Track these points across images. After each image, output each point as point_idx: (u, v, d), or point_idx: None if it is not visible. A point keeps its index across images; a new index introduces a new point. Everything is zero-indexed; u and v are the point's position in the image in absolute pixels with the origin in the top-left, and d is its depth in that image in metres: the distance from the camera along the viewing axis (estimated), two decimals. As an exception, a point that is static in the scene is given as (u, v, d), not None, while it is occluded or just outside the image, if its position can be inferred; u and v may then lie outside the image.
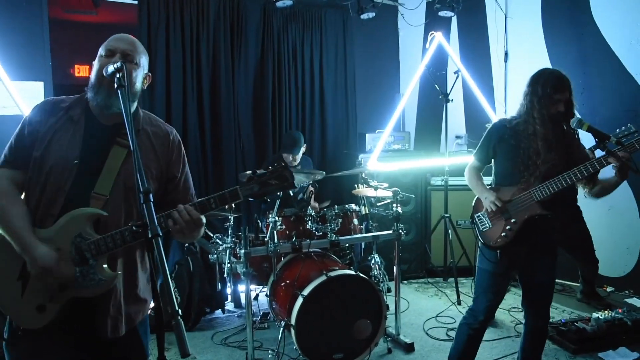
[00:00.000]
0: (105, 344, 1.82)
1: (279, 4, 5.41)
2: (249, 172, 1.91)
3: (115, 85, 1.66)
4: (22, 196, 1.82)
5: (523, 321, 2.92)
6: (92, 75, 1.82)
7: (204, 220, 1.82)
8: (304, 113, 5.96)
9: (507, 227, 2.65)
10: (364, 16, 5.78)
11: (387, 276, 4.10)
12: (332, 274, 3.34)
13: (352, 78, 6.24)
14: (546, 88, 2.55)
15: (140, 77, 1.87)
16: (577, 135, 2.69)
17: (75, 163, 1.75)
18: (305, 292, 3.26)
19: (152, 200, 1.48)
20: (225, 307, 4.66)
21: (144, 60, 1.89)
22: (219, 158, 5.45)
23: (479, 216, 2.79)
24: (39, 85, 4.44)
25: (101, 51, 1.83)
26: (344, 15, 6.14)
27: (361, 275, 3.43)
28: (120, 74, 1.67)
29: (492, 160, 2.82)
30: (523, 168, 2.59)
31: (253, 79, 5.66)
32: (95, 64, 1.83)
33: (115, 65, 1.69)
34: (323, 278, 3.29)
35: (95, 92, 1.80)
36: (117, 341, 1.83)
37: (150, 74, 1.96)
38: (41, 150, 1.76)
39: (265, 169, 1.82)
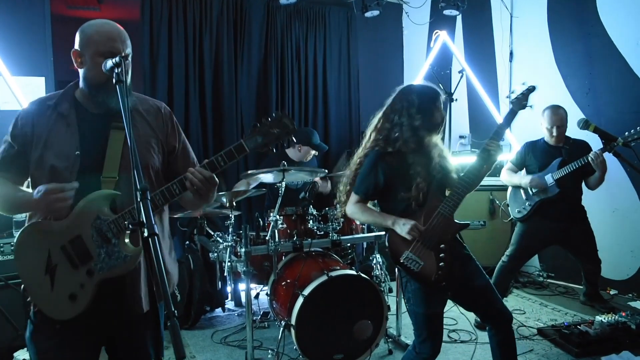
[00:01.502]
0: (131, 322, 1.85)
1: (282, 1, 5.38)
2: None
3: (114, 81, 1.64)
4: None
5: (488, 335, 2.68)
6: (94, 77, 1.80)
7: (217, 180, 1.83)
8: (307, 111, 5.92)
9: (441, 255, 2.42)
10: (368, 14, 5.74)
11: (388, 276, 4.06)
12: (333, 273, 3.31)
13: (356, 76, 6.20)
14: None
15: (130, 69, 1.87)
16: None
17: (77, 154, 1.77)
18: (306, 291, 3.24)
19: (149, 198, 1.46)
20: (226, 306, 4.64)
21: (131, 50, 1.89)
22: (221, 155, 5.42)
23: (406, 258, 2.44)
24: (41, 81, 4.43)
25: (99, 49, 1.77)
26: (348, 13, 6.11)
27: (362, 275, 3.39)
28: (119, 69, 1.66)
29: (378, 195, 2.63)
30: (416, 190, 2.43)
31: (256, 77, 5.63)
32: (92, 61, 1.79)
33: (114, 61, 1.68)
34: (324, 278, 3.26)
35: (96, 91, 1.81)
36: (143, 317, 1.86)
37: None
38: (40, 150, 1.78)
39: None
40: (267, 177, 3.89)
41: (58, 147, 1.78)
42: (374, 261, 3.92)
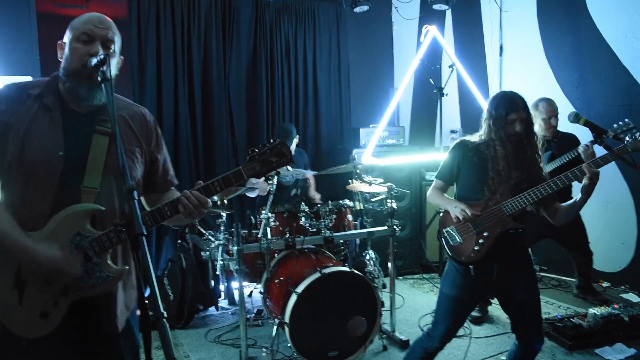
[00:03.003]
0: (103, 340, 1.73)
1: (271, -3, 5.36)
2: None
3: (100, 79, 1.56)
4: None
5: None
6: (70, 63, 1.67)
7: (210, 202, 1.75)
8: (297, 108, 5.90)
9: (480, 241, 2.53)
10: (357, 10, 5.72)
11: (382, 272, 4.06)
12: (327, 270, 3.29)
13: (346, 72, 6.19)
14: (499, 110, 2.54)
15: (115, 63, 1.76)
16: (539, 156, 2.62)
17: (61, 155, 1.62)
18: (299, 289, 3.22)
19: (136, 198, 1.40)
20: (219, 305, 4.61)
21: (118, 43, 1.76)
22: (211, 153, 5.39)
23: (447, 231, 2.64)
24: (27, 80, 4.37)
25: (75, 34, 1.67)
26: (337, 9, 6.09)
27: (356, 271, 3.39)
28: (105, 67, 1.57)
29: (455, 181, 2.73)
30: (490, 184, 2.52)
31: (245, 74, 5.60)
32: (69, 48, 1.67)
33: (98, 58, 1.59)
34: (317, 275, 3.25)
35: (76, 82, 1.66)
36: (118, 334, 1.75)
37: (122, 57, 1.83)
38: (18, 144, 1.60)
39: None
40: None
41: (40, 143, 1.61)
42: (367, 257, 3.92)
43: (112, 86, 1.57)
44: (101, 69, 1.58)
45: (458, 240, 2.59)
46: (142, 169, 1.83)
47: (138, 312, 1.60)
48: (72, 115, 1.70)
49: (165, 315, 1.25)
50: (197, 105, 5.29)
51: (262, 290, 3.72)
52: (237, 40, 5.50)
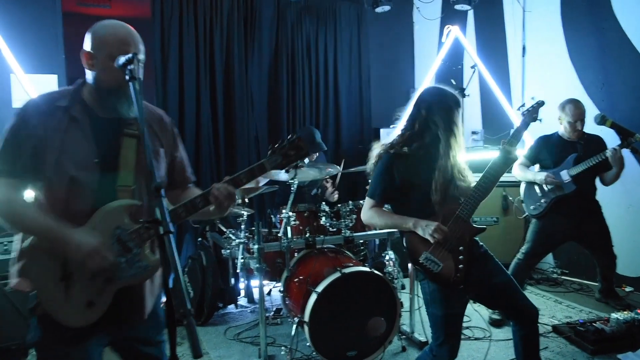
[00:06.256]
0: (131, 327, 1.88)
1: (292, -3, 5.38)
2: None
3: (127, 78, 1.59)
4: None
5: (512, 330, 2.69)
6: (103, 82, 1.74)
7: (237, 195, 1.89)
8: (318, 107, 5.92)
9: (460, 258, 2.42)
10: (379, 10, 5.71)
11: (401, 273, 4.04)
12: (347, 270, 3.29)
13: (367, 72, 6.19)
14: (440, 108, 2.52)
15: (142, 72, 1.79)
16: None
17: (96, 162, 1.74)
18: (319, 288, 3.23)
19: (163, 195, 1.45)
20: (238, 302, 4.65)
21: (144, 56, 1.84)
22: (233, 152, 5.43)
23: (425, 259, 2.42)
24: (53, 78, 4.47)
25: (109, 52, 1.71)
26: (358, 9, 6.09)
27: (375, 272, 3.38)
28: (133, 66, 1.60)
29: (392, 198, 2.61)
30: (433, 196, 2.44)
31: (267, 74, 5.63)
32: (102, 65, 1.73)
33: (127, 57, 1.62)
34: (337, 275, 3.25)
35: (109, 98, 1.75)
36: (149, 319, 1.90)
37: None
38: (54, 156, 1.69)
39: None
40: (279, 175, 3.89)
41: (74, 154, 1.72)
42: (387, 258, 3.90)
43: (141, 86, 1.60)
44: (129, 67, 1.60)
45: (439, 265, 2.42)
46: (165, 167, 1.95)
47: (163, 300, 1.67)
48: (100, 122, 1.79)
49: (192, 312, 1.28)
50: (219, 104, 5.33)
51: (282, 289, 3.74)
52: (259, 40, 5.53)
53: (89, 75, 1.78)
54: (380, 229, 3.82)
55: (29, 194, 1.73)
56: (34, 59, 4.34)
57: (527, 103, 2.75)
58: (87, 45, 1.77)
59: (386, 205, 2.72)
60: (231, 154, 5.44)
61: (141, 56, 1.75)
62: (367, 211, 2.58)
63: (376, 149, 2.63)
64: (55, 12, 4.58)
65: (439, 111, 2.47)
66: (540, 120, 2.67)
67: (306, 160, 4.54)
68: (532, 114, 2.65)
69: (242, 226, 3.90)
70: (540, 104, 2.68)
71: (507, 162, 2.51)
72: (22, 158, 1.70)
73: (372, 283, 3.36)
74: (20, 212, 1.69)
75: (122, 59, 1.64)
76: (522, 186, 4.35)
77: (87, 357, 1.77)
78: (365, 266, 3.47)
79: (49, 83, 4.41)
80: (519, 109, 2.78)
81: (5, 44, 4.07)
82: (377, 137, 5.76)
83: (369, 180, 2.66)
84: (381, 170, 2.53)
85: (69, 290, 1.69)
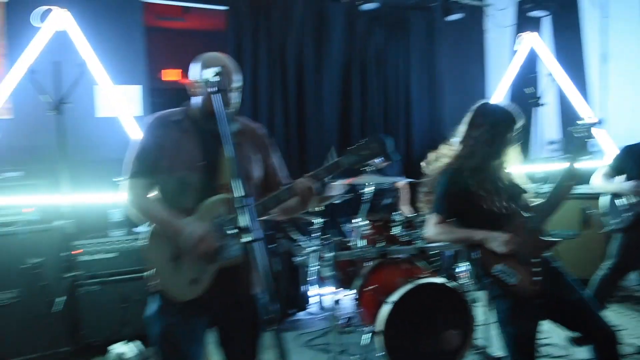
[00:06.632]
0: (240, 304, 2.14)
1: (363, 7, 5.40)
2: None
3: (215, 90, 1.82)
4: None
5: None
6: (208, 107, 2.00)
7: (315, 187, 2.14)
8: (388, 116, 5.90)
9: (534, 270, 2.38)
10: (450, 18, 5.65)
11: (476, 286, 3.95)
12: (420, 281, 3.27)
13: (439, 81, 6.11)
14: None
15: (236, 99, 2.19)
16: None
17: (201, 164, 2.09)
18: (393, 298, 3.21)
19: (252, 204, 1.64)
20: (309, 310, 4.69)
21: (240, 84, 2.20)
22: (305, 165, 5.50)
23: (500, 271, 2.41)
24: (137, 89, 4.71)
25: (211, 80, 1.89)
26: (429, 18, 6.03)
27: (449, 283, 3.33)
28: (220, 78, 1.84)
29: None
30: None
31: (338, 84, 5.66)
32: (207, 96, 1.98)
33: (215, 70, 1.86)
34: (411, 285, 3.23)
35: (210, 117, 1.97)
36: (252, 301, 2.12)
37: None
38: (169, 160, 2.09)
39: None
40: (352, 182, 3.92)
41: (184, 158, 2.09)
42: (461, 270, 3.83)
43: (226, 98, 2.01)
44: (216, 79, 1.84)
45: (515, 276, 2.39)
46: (260, 172, 2.26)
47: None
48: (204, 132, 2.16)
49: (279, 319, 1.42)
50: (292, 114, 5.41)
51: (354, 298, 3.74)
52: (330, 51, 5.58)
53: (195, 99, 2.16)
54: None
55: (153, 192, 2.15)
56: (119, 71, 4.58)
57: (600, 115, 2.71)
58: (192, 74, 2.14)
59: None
60: (304, 168, 5.50)
61: (236, 84, 2.13)
62: (434, 227, 2.58)
63: (436, 160, 2.69)
64: (138, 26, 4.83)
65: (497, 126, 2.52)
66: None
67: (377, 163, 4.56)
68: (585, 135, 2.58)
69: (315, 234, 3.95)
70: (595, 123, 2.61)
71: (572, 176, 2.47)
72: (148, 162, 2.11)
73: (446, 295, 3.31)
74: (148, 206, 2.12)
75: (206, 74, 1.90)
76: (604, 198, 4.15)
77: (192, 330, 2.11)
78: (439, 277, 3.43)
79: (134, 93, 4.66)
80: (571, 128, 2.71)
81: (96, 57, 4.33)
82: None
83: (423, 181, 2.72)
84: (445, 186, 2.55)
85: (178, 268, 2.06)
